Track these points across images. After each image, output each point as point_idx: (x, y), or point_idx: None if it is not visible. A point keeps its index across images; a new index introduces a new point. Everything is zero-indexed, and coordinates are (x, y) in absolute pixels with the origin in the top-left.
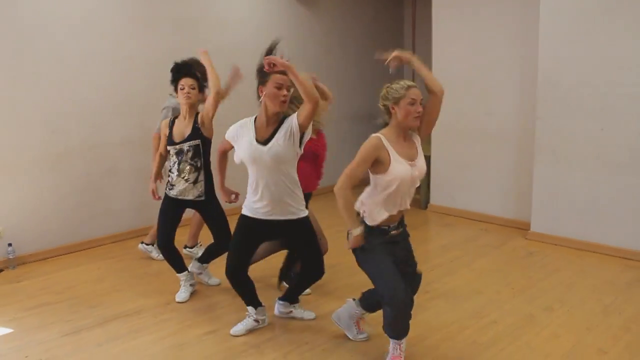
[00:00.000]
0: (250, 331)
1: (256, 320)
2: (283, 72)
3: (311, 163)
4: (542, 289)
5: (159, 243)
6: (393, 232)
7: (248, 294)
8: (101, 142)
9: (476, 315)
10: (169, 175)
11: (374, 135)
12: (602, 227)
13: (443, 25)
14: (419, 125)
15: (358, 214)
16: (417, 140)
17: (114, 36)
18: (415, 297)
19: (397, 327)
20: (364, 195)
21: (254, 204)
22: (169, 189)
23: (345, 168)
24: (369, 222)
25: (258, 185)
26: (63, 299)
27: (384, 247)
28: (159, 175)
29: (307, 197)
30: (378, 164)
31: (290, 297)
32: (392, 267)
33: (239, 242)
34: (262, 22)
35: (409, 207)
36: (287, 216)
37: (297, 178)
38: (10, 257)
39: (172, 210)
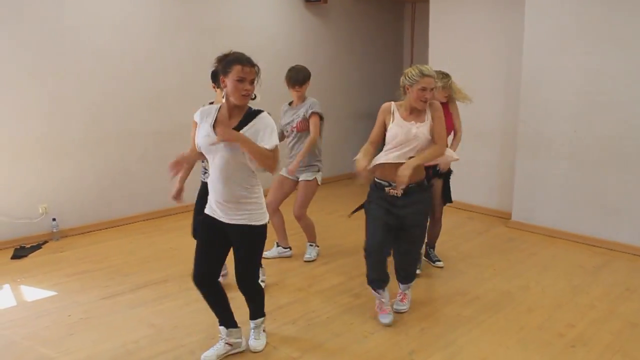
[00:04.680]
0: (222, 357)
1: (228, 344)
2: (250, 64)
3: None
4: (520, 270)
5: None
6: (388, 189)
7: (219, 308)
8: (134, 132)
9: (461, 292)
10: None
11: (387, 102)
12: (574, 217)
13: (439, 39)
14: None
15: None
16: (429, 113)
17: (147, 39)
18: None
19: (370, 276)
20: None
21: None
22: None
23: None
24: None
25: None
26: (100, 267)
27: (379, 203)
28: None
29: None
30: (387, 123)
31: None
32: (377, 222)
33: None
34: (278, 29)
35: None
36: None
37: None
38: (54, 230)
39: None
